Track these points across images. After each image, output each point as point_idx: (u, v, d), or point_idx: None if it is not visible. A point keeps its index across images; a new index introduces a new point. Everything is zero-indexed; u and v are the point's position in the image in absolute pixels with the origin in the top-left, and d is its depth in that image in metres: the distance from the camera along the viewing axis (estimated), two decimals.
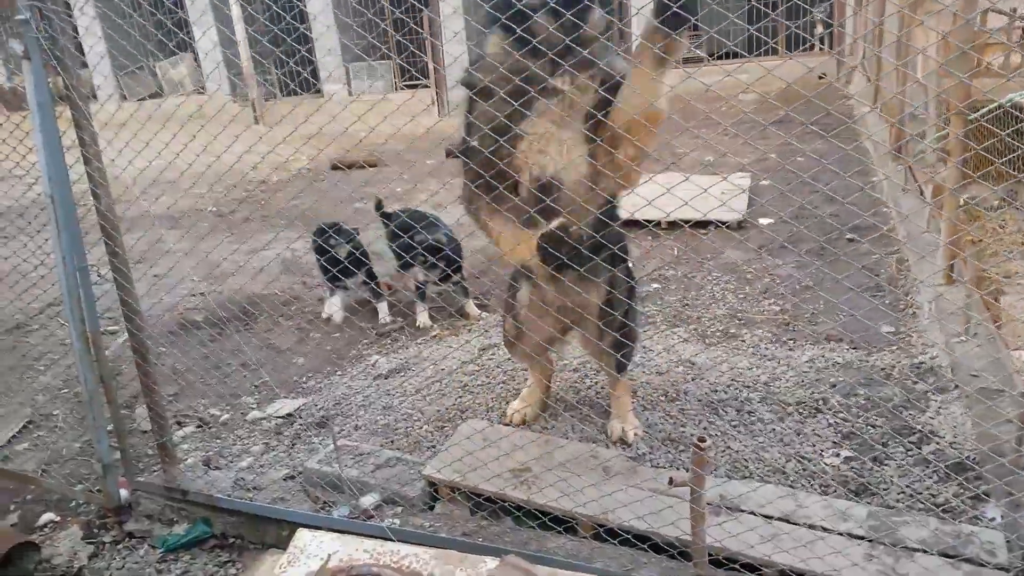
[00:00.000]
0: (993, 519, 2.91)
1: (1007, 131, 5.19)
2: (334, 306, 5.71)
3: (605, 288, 3.25)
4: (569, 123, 2.85)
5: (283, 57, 14.23)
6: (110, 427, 3.47)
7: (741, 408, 3.72)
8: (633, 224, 5.51)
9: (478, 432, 3.49)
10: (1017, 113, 5.47)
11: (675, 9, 2.50)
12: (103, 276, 3.76)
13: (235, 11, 14.64)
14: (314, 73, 15.76)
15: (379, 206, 6.09)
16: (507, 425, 3.66)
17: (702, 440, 2.50)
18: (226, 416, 4.34)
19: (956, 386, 3.75)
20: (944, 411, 3.57)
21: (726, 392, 3.84)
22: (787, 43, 15.81)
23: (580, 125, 2.85)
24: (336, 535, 2.64)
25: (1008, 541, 2.69)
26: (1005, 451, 3.15)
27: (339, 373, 4.75)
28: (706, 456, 2.50)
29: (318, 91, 16.08)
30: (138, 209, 8.68)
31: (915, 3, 7.01)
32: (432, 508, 3.26)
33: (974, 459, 3.25)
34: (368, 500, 3.20)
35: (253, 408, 4.37)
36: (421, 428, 3.82)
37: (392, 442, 3.73)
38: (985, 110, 5.47)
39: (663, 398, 3.91)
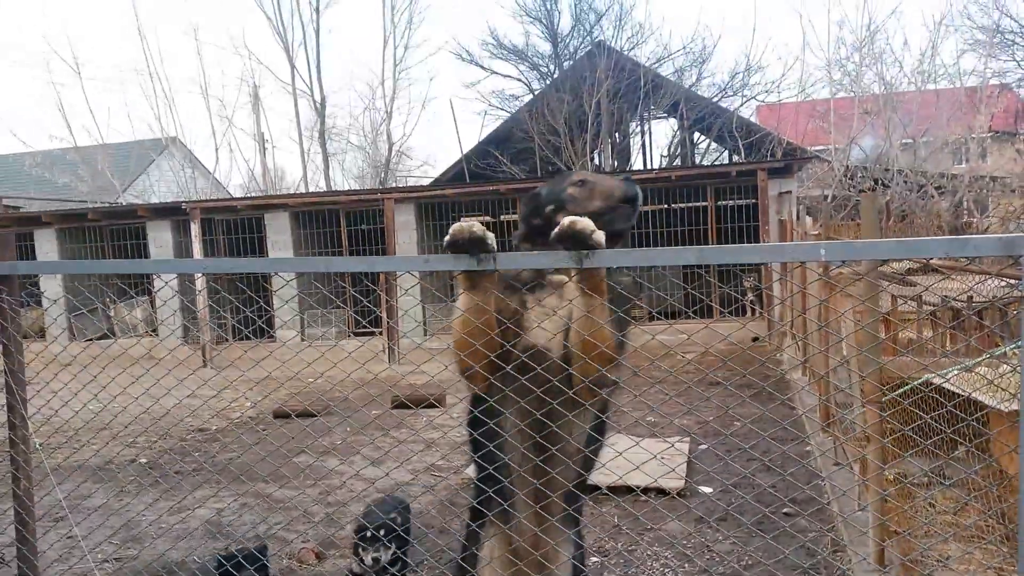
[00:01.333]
0: None
1: (929, 410, 5.45)
2: None
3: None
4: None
5: (243, 302, 14.64)
6: None
7: None
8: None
9: None
10: (935, 395, 5.79)
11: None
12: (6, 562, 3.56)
13: (196, 248, 15.26)
14: (269, 320, 16.19)
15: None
16: None
17: None
18: None
19: None
20: None
21: None
22: (721, 304, 16.89)
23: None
24: None
25: None
26: None
27: None
28: None
29: (271, 336, 16.37)
30: (77, 456, 8.42)
31: (830, 287, 7.67)
32: None
33: None
34: None
35: None
36: None
37: None
38: (900, 391, 5.80)
39: None
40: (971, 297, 7.62)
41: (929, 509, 5.93)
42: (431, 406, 10.78)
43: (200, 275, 15.24)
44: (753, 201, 15.47)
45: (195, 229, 15.65)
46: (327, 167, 30.23)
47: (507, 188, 16.32)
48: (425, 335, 16.17)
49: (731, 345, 13.06)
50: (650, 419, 9.87)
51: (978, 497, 5.85)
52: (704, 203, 16.39)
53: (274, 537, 6.31)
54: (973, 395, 5.43)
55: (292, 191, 30.14)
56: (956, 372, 6.14)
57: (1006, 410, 4.82)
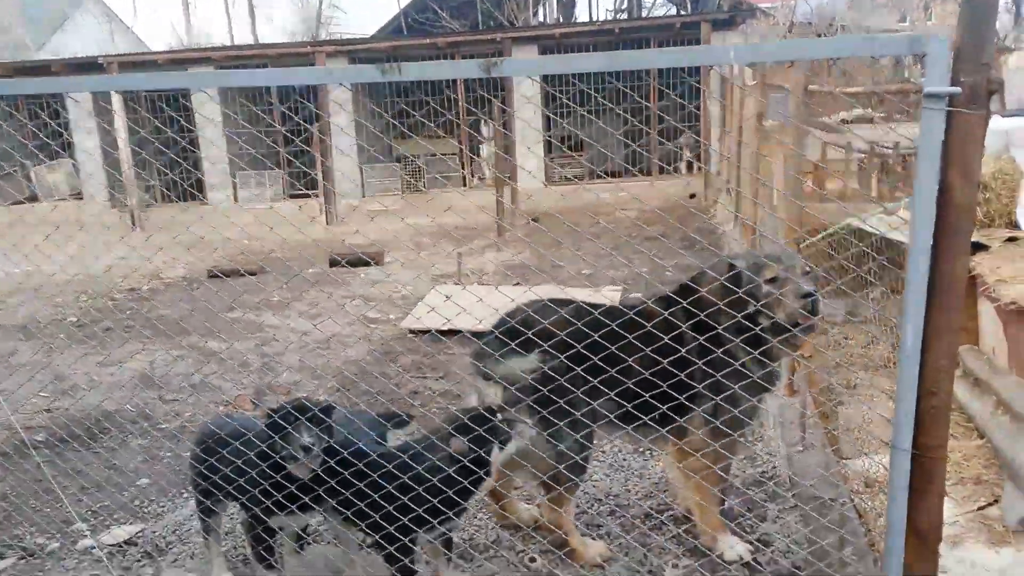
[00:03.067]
0: None
1: (844, 253, 5.63)
2: None
3: None
4: None
5: (167, 164, 14.07)
6: None
7: (591, 522, 3.74)
8: None
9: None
10: (853, 238, 5.97)
11: None
12: None
13: (119, 119, 14.47)
14: (198, 182, 15.62)
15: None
16: None
17: (532, 559, 2.50)
18: (54, 545, 4.01)
19: (793, 495, 3.90)
20: (780, 520, 3.69)
21: (576, 506, 3.85)
22: (661, 163, 16.89)
23: None
24: None
25: None
26: (828, 555, 3.28)
27: (186, 495, 4.50)
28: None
29: (202, 199, 15.90)
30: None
31: (765, 137, 7.69)
32: None
33: (802, 568, 3.36)
34: None
35: (85, 535, 4.06)
36: None
37: (235, 569, 3.53)
38: (821, 235, 5.97)
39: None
40: (897, 143, 7.75)
41: (843, 343, 6.26)
42: (371, 264, 10.76)
43: (122, 129, 14.54)
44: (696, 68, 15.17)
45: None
46: (254, 22, 28.49)
47: (446, 42, 15.68)
48: (363, 196, 15.91)
49: (668, 202, 13.20)
50: (586, 271, 10.05)
51: (889, 331, 6.20)
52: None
53: (208, 386, 6.36)
54: (888, 234, 5.62)
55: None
56: (877, 215, 6.34)
57: None
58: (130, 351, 7.20)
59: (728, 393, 3.17)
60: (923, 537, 2.09)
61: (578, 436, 3.25)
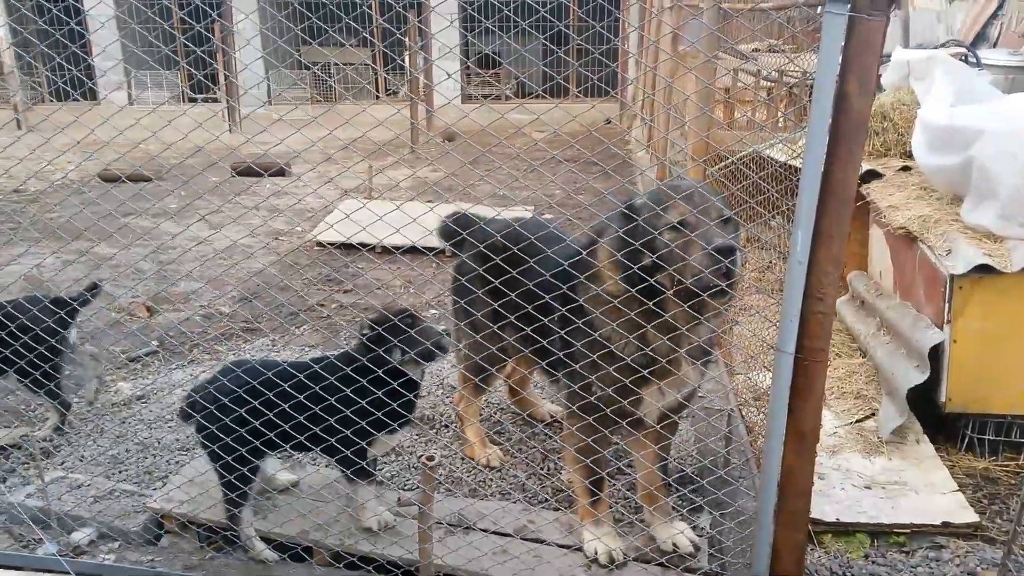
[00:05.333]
0: (704, 528, 3.18)
1: (744, 181, 5.76)
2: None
3: None
4: None
5: (53, 55, 12.99)
6: None
7: (495, 430, 3.81)
8: (417, 252, 5.58)
9: None
10: (753, 166, 6.10)
11: None
12: None
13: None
14: (90, 77, 14.54)
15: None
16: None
17: (430, 458, 2.52)
18: None
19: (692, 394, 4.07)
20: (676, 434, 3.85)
21: (481, 414, 3.92)
22: (581, 87, 16.78)
23: None
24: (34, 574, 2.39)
25: (712, 549, 2.93)
26: (719, 466, 3.45)
27: (76, 400, 4.33)
28: (434, 475, 2.52)
29: (95, 97, 14.87)
30: None
31: (675, 65, 7.71)
32: (158, 542, 3.03)
33: (695, 472, 3.53)
34: (80, 535, 2.92)
35: None
36: (155, 458, 3.56)
37: (119, 473, 3.44)
38: (724, 162, 6.08)
39: (420, 420, 3.93)
40: (805, 71, 7.89)
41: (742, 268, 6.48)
42: (277, 174, 10.38)
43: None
44: None
45: None
46: None
47: None
48: (270, 103, 15.21)
49: (582, 126, 13.14)
50: (501, 193, 9.99)
51: (784, 258, 6.44)
52: None
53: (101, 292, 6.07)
54: (791, 162, 5.79)
55: None
56: (780, 142, 6.49)
57: None
58: (14, 254, 6.78)
59: (583, 370, 2.71)
60: (803, 437, 2.20)
61: (479, 338, 3.27)
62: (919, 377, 3.78)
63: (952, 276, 3.68)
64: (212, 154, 11.37)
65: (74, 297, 3.97)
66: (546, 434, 3.85)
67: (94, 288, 4.07)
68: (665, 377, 2.64)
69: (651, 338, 2.57)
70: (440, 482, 3.33)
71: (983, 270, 3.61)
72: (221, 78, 13.06)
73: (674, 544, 2.87)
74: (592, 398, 2.70)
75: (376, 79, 16.92)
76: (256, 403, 2.74)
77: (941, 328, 3.78)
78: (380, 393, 2.72)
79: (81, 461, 3.60)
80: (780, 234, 6.03)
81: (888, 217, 4.51)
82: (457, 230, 3.59)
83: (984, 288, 3.66)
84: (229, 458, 2.74)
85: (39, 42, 13.85)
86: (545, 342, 2.90)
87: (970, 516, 3.33)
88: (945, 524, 3.29)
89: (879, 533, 3.30)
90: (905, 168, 5.27)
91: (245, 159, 10.47)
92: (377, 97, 16.61)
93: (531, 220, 3.47)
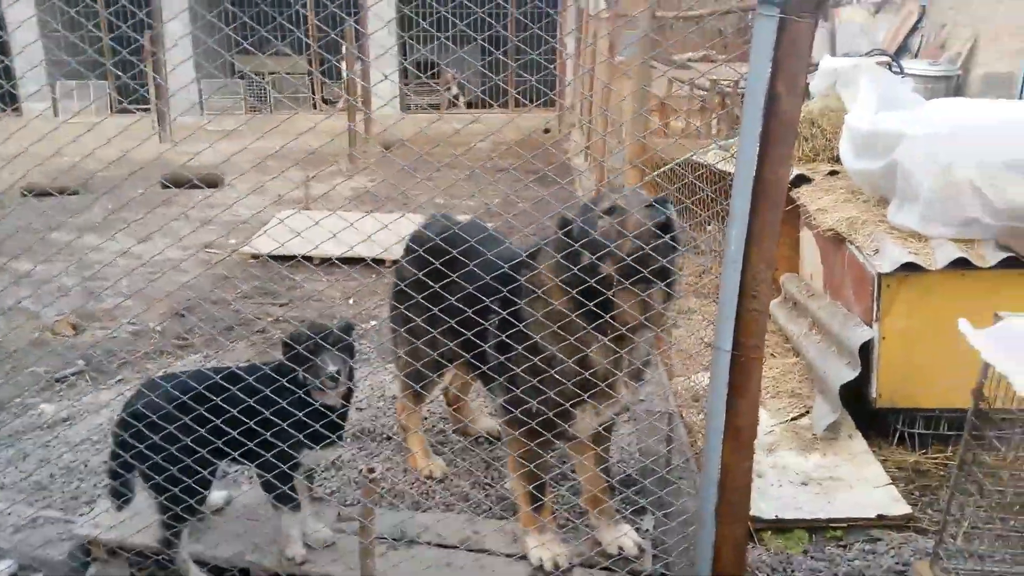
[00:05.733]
0: (647, 529, 3.19)
1: (676, 185, 5.84)
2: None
3: None
4: None
5: None
6: None
7: (437, 441, 3.77)
8: (355, 261, 5.52)
9: None
10: (688, 172, 6.20)
11: None
12: None
13: None
14: (10, 92, 13.93)
15: None
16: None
17: (371, 471, 2.47)
18: None
19: (627, 409, 4.09)
20: (614, 432, 3.86)
21: (424, 424, 3.86)
22: (522, 97, 16.85)
23: None
24: None
25: (655, 550, 2.94)
26: (659, 467, 3.47)
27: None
28: (375, 487, 2.47)
29: (16, 109, 14.29)
30: None
31: (612, 73, 7.81)
32: (85, 570, 2.89)
33: (637, 474, 3.54)
34: (0, 568, 2.77)
35: None
36: (81, 482, 3.40)
37: (42, 500, 3.28)
38: (660, 170, 6.16)
39: (361, 433, 3.86)
40: (737, 81, 8.08)
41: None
42: (208, 186, 10.12)
43: None
44: None
45: None
46: None
47: None
48: (202, 114, 14.86)
49: (522, 134, 13.23)
50: (439, 200, 9.94)
51: (716, 261, 6.59)
52: None
53: (21, 310, 5.81)
54: (718, 166, 5.91)
55: None
56: (713, 148, 6.62)
57: None
58: None
59: (522, 377, 2.66)
60: (740, 434, 2.23)
61: (418, 344, 3.23)
62: (850, 374, 3.87)
63: (879, 275, 3.79)
64: (140, 164, 11.05)
65: None
66: (489, 442, 3.82)
67: None
68: (601, 396, 2.64)
69: (590, 352, 2.57)
70: (382, 495, 3.27)
71: (909, 268, 3.72)
72: (151, 83, 12.66)
73: (619, 547, 2.87)
74: (527, 411, 2.68)
75: (312, 86, 16.68)
76: (186, 419, 2.63)
77: (870, 326, 3.89)
78: (298, 410, 2.66)
79: (0, 489, 3.42)
80: (716, 237, 6.14)
81: (817, 219, 4.63)
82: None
83: (910, 286, 3.78)
84: (160, 478, 2.63)
85: None
86: (484, 347, 2.87)
87: (903, 508, 3.42)
88: (880, 517, 3.38)
89: (816, 528, 3.37)
90: (833, 172, 5.42)
91: (174, 172, 10.20)
92: (315, 106, 16.39)
93: (470, 223, 3.43)
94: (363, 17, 14.96)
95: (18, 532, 2.92)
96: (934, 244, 3.84)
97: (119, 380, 4.72)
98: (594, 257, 2.43)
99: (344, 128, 12.37)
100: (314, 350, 2.66)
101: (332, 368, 2.62)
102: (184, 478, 2.64)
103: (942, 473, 3.79)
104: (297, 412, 2.65)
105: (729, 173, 5.36)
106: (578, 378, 2.58)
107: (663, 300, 2.55)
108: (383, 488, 3.34)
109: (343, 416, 2.81)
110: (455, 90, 16.70)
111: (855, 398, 3.98)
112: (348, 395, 2.82)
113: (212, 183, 10.10)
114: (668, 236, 2.36)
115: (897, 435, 3.99)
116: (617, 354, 2.55)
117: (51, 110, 14.09)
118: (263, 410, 2.64)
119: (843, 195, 4.87)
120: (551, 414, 2.63)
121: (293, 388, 2.68)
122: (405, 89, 16.71)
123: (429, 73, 17.25)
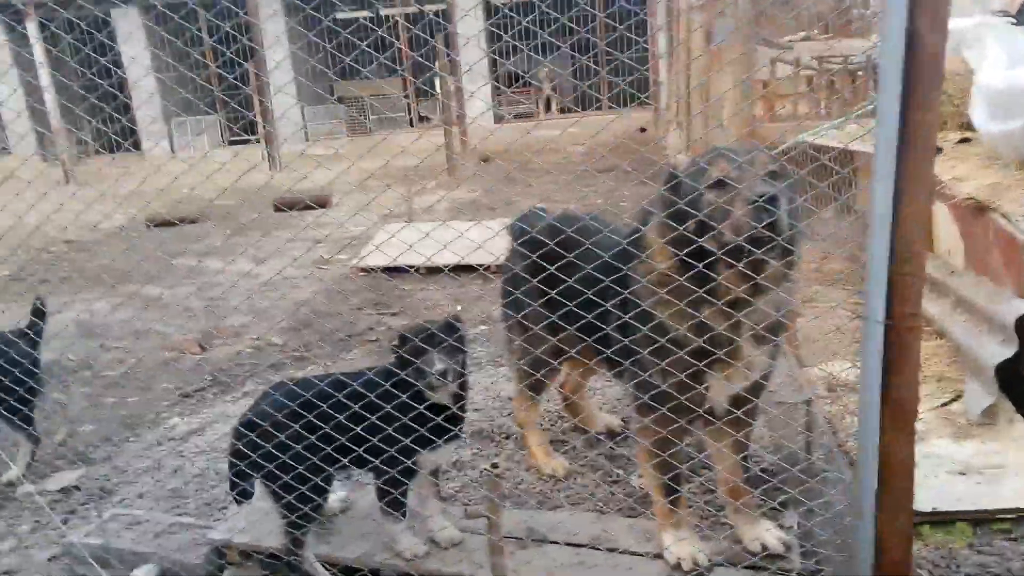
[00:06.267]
0: (791, 527, 2.97)
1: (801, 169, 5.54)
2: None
3: None
4: None
5: (96, 113, 13.33)
6: None
7: (555, 439, 3.67)
8: (462, 269, 5.52)
9: None
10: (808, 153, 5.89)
11: None
12: None
13: (37, 51, 13.46)
14: (131, 131, 14.88)
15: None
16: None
17: (494, 466, 2.39)
18: None
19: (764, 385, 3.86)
20: (757, 418, 3.66)
21: (540, 425, 3.77)
22: (615, 100, 16.67)
23: None
24: None
25: (802, 546, 2.73)
26: (798, 459, 3.24)
27: (132, 439, 4.30)
28: (501, 481, 2.39)
29: (136, 147, 15.22)
30: None
31: (710, 63, 7.54)
32: (221, 574, 2.94)
33: (773, 470, 3.32)
34: (141, 572, 2.84)
35: (23, 483, 3.85)
36: (213, 489, 3.48)
37: (179, 507, 3.37)
38: (777, 150, 5.87)
39: (478, 435, 3.80)
40: (846, 58, 7.67)
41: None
42: (318, 206, 10.42)
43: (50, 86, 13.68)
44: None
45: (32, 29, 13.76)
46: None
47: None
48: (307, 140, 15.39)
49: (617, 138, 13.06)
50: (541, 205, 9.88)
51: (842, 246, 6.22)
52: None
53: (152, 332, 6.10)
54: (848, 146, 5.57)
55: None
56: (828, 129, 6.28)
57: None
58: (67, 301, 6.87)
59: (647, 358, 2.53)
60: (901, 412, 2.01)
61: (529, 343, 3.14)
62: (1006, 352, 3.52)
63: None
64: (253, 194, 11.53)
65: (29, 325, 3.92)
66: (610, 438, 3.68)
67: (38, 311, 3.98)
68: (729, 359, 2.44)
69: (707, 315, 2.39)
70: (506, 494, 3.18)
71: None
72: (257, 109, 13.21)
73: (762, 544, 2.67)
74: (654, 390, 2.52)
75: (409, 108, 17.03)
76: (295, 426, 2.64)
77: None
78: (409, 411, 2.62)
79: (140, 498, 3.54)
80: (837, 220, 5.80)
81: (954, 189, 4.28)
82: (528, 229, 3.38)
83: None
84: (275, 485, 2.65)
85: (86, 95, 14.17)
86: (606, 331, 2.74)
87: None
88: None
89: (982, 521, 3.05)
90: (964, 140, 5.03)
91: (285, 197, 10.57)
92: (411, 125, 16.71)
93: (568, 214, 3.32)
94: (452, 35, 15.16)
95: (158, 537, 2.99)
96: None
97: (245, 393, 4.85)
98: (702, 215, 2.29)
99: (441, 143, 12.56)
100: (419, 350, 2.61)
101: (439, 366, 2.56)
102: (298, 485, 2.63)
103: None
104: (406, 415, 2.60)
105: (850, 154, 5.03)
106: (696, 335, 2.41)
107: (780, 258, 2.31)
108: (507, 487, 3.26)
109: (459, 412, 2.75)
110: (547, 91, 16.66)
111: (1014, 379, 3.61)
112: (462, 391, 2.75)
113: (321, 203, 10.40)
114: (770, 210, 2.15)
115: None
116: (734, 318, 2.37)
117: (168, 146, 14.91)
118: (367, 415, 2.62)
119: (979, 162, 4.50)
120: (675, 391, 2.47)
121: (402, 391, 2.63)
122: (496, 101, 16.80)
123: (517, 84, 17.31)
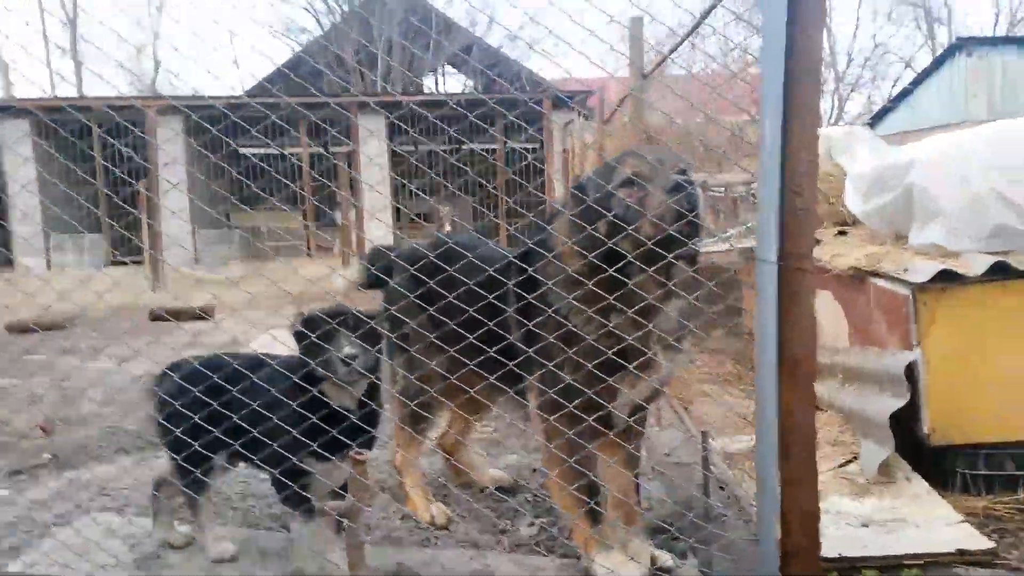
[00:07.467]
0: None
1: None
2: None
3: None
4: None
5: None
6: None
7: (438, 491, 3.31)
8: None
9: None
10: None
11: None
12: None
13: None
14: (5, 244, 13.99)
15: None
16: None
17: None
18: None
19: (652, 467, 3.64)
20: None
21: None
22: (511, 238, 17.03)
23: None
24: None
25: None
26: (695, 507, 3.01)
27: None
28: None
29: (9, 262, 14.30)
30: None
31: None
32: None
33: (670, 522, 3.06)
34: None
35: None
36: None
37: None
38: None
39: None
40: (726, 186, 8.15)
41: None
42: (198, 318, 9.83)
43: None
44: (539, 144, 15.76)
45: None
46: (80, 82, 27.00)
47: (290, 103, 15.30)
48: (196, 263, 14.87)
49: None
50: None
51: (731, 354, 6.35)
52: (494, 146, 16.56)
53: None
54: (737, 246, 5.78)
55: None
56: (715, 241, 6.53)
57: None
58: None
59: (559, 363, 2.40)
60: (797, 368, 1.86)
61: (414, 371, 2.88)
62: (898, 403, 3.47)
63: (914, 292, 3.48)
64: (130, 309, 10.85)
65: None
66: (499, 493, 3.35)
67: None
68: (637, 361, 2.33)
69: (618, 317, 2.32)
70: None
71: (945, 280, 3.42)
72: (145, 231, 12.72)
73: (651, 557, 2.41)
74: (561, 391, 2.38)
75: (308, 240, 16.87)
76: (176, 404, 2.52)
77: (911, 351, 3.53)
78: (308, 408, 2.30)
79: None
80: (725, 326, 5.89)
81: (834, 263, 4.38)
82: (382, 264, 3.25)
83: (949, 300, 3.46)
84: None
85: None
86: (509, 339, 2.56)
87: (985, 543, 2.94)
88: (960, 552, 2.88)
89: (889, 567, 2.85)
90: (842, 232, 5.25)
91: (165, 307, 9.94)
92: (308, 254, 16.47)
93: (451, 235, 3.23)
94: (356, 163, 15.36)
95: None
96: (966, 257, 3.57)
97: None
98: (611, 216, 2.26)
99: (336, 273, 12.30)
100: (329, 335, 2.30)
101: (348, 350, 2.25)
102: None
103: (1019, 517, 3.29)
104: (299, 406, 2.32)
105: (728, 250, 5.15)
106: (607, 337, 2.33)
107: (688, 264, 2.29)
108: (379, 535, 2.85)
109: (370, 420, 2.39)
110: (448, 227, 16.95)
111: (908, 442, 3.55)
112: (372, 393, 2.42)
113: (203, 314, 9.83)
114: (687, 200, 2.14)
115: (959, 479, 3.52)
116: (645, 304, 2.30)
117: (44, 263, 14.08)
118: (248, 401, 2.31)
119: (857, 242, 4.67)
120: (587, 385, 2.34)
121: (303, 384, 2.32)
122: (397, 231, 16.90)
123: (419, 212, 17.58)
